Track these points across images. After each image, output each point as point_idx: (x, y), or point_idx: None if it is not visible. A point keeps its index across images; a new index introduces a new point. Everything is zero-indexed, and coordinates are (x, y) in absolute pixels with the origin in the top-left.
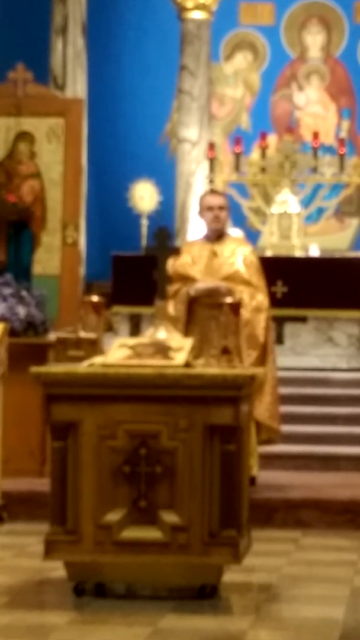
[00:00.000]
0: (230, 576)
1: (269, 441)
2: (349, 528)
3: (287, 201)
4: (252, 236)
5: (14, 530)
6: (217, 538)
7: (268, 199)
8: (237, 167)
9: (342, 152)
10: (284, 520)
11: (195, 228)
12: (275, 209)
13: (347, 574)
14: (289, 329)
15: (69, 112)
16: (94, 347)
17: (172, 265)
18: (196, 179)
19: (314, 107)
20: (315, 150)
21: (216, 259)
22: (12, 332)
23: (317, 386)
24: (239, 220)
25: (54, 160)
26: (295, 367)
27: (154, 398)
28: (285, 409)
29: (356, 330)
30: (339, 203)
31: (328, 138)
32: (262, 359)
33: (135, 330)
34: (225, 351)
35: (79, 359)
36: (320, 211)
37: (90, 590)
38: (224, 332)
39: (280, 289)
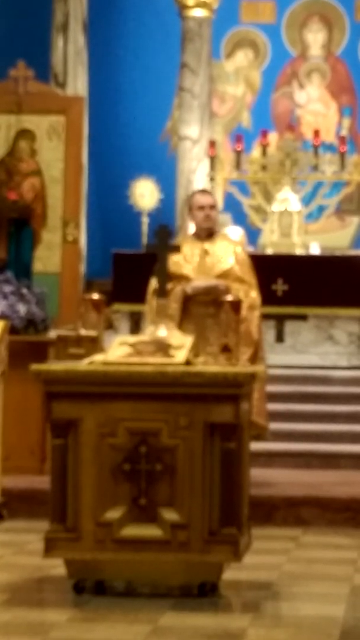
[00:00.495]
0: (231, 574)
1: (257, 437)
2: (349, 526)
3: (287, 199)
4: (253, 234)
5: (14, 528)
6: (217, 536)
7: (269, 197)
8: (237, 165)
9: (342, 150)
10: (284, 518)
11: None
12: (275, 206)
13: (347, 571)
14: (289, 327)
15: (70, 109)
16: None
17: None
18: (197, 177)
19: (314, 105)
20: (316, 148)
21: (208, 257)
22: (12, 330)
23: (318, 384)
24: (240, 218)
25: (54, 157)
26: (296, 365)
27: (155, 396)
28: (286, 406)
29: (356, 328)
30: (340, 201)
31: (329, 136)
32: (255, 356)
33: (135, 328)
34: (226, 349)
35: (80, 357)
36: (320, 209)
37: (90, 588)
38: (225, 330)
39: (280, 287)
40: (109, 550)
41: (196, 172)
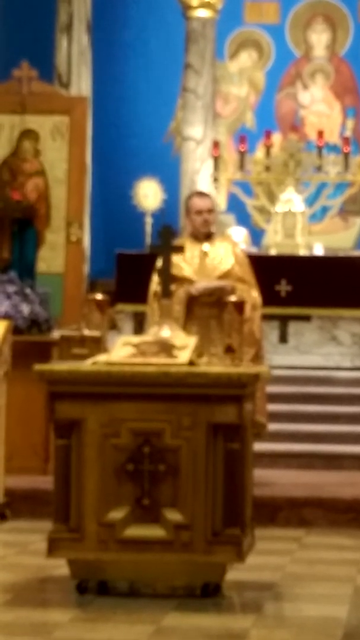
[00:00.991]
0: (234, 574)
1: (256, 435)
2: (352, 527)
3: (291, 200)
4: (256, 235)
5: (17, 528)
6: (221, 536)
7: (272, 198)
8: (241, 166)
9: (346, 151)
10: (287, 518)
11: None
12: (279, 207)
13: (350, 572)
14: (292, 327)
15: (74, 110)
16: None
17: None
18: (200, 178)
19: (318, 106)
20: (319, 149)
21: (208, 259)
22: (16, 330)
23: (321, 385)
24: (243, 218)
25: (58, 158)
26: (299, 366)
27: (158, 396)
28: (289, 407)
29: None
30: (343, 202)
31: (332, 137)
32: (257, 356)
33: (139, 329)
34: (229, 349)
35: (83, 357)
36: (324, 210)
37: (93, 588)
38: (228, 331)
39: (284, 287)
40: (112, 551)
41: (200, 173)
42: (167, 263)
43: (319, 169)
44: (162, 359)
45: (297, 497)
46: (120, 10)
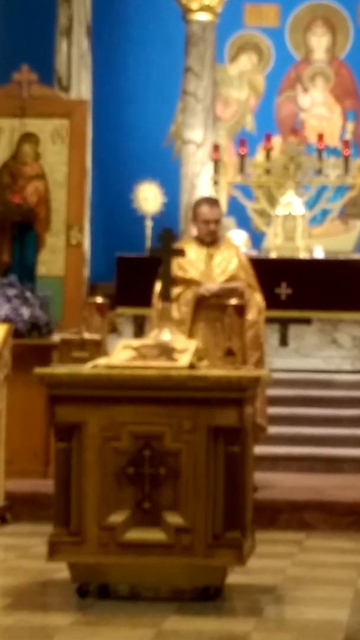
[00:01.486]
0: (234, 578)
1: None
2: (352, 530)
3: (291, 203)
4: (257, 238)
5: (18, 532)
6: (221, 540)
7: (272, 201)
8: (241, 169)
9: (346, 154)
10: (288, 522)
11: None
12: (279, 210)
13: (351, 576)
14: (293, 330)
15: (74, 113)
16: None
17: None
18: (201, 181)
19: (318, 109)
20: (319, 152)
21: (213, 262)
22: (16, 333)
23: (321, 388)
24: (244, 222)
25: (58, 161)
26: (299, 369)
27: (158, 399)
28: (290, 410)
29: None
30: (344, 205)
31: (333, 140)
32: (261, 360)
33: (139, 332)
34: (230, 353)
35: (83, 360)
36: (324, 213)
37: (93, 592)
38: (228, 334)
39: (284, 290)
40: (112, 554)
41: (200, 176)
42: (167, 266)
43: (319, 172)
44: (163, 362)
45: (298, 500)
46: (120, 14)
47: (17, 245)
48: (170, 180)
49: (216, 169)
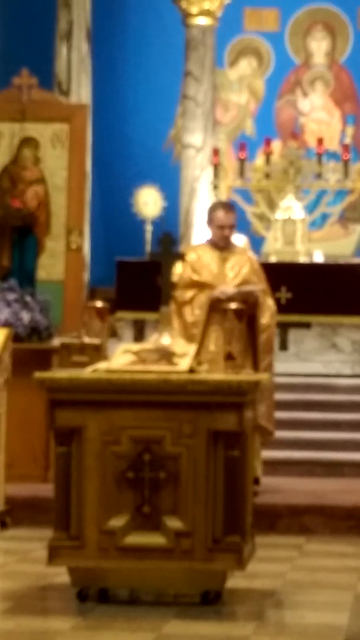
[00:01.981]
0: (234, 582)
1: (262, 443)
2: (352, 534)
3: (291, 207)
4: (256, 242)
5: (18, 536)
6: (221, 544)
7: (272, 205)
8: (241, 173)
9: (346, 158)
10: (288, 526)
11: (199, 233)
12: (279, 214)
13: (351, 580)
14: (293, 335)
15: (74, 117)
16: (97, 353)
17: (183, 271)
18: (200, 185)
19: (318, 113)
20: (319, 156)
21: (226, 266)
22: (16, 338)
23: (321, 392)
24: (243, 226)
25: (58, 165)
26: (299, 373)
27: (158, 404)
28: (289, 414)
29: None
30: (343, 209)
31: (332, 144)
32: (271, 363)
33: (139, 336)
34: (229, 357)
35: (83, 365)
36: (324, 217)
37: (93, 596)
38: (228, 338)
39: (284, 295)
40: (112, 558)
41: (200, 180)
42: (167, 271)
43: (318, 176)
44: (163, 367)
45: (298, 505)
46: (120, 18)
47: (17, 249)
48: (170, 184)
49: (216, 173)
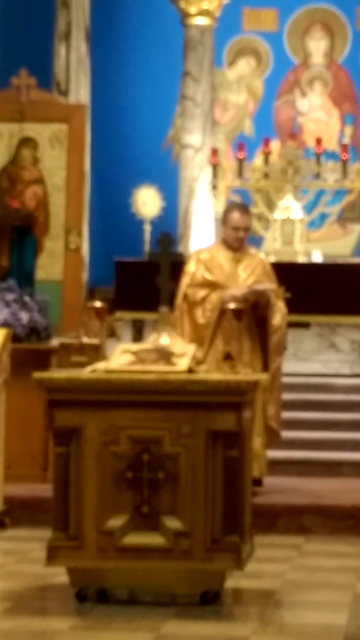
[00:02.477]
0: (233, 582)
1: (267, 444)
2: (351, 534)
3: (290, 207)
4: (255, 242)
5: (17, 536)
6: (220, 544)
7: (271, 205)
8: (240, 173)
9: (345, 158)
10: (287, 526)
11: (198, 233)
12: (278, 214)
13: (350, 580)
14: (291, 335)
15: (72, 117)
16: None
17: (196, 269)
18: (199, 185)
19: (317, 113)
20: (318, 156)
21: (239, 267)
22: (15, 338)
23: (320, 392)
24: None
25: (57, 165)
26: (298, 373)
27: (157, 404)
28: (288, 414)
29: (359, 336)
30: (342, 209)
31: (331, 144)
32: (280, 366)
33: (138, 336)
34: (228, 357)
35: (82, 365)
36: (323, 217)
37: (92, 596)
38: (227, 338)
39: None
40: (111, 559)
41: (198, 180)
42: (166, 271)
43: (317, 176)
44: (161, 367)
45: (297, 504)
46: (118, 18)
47: (16, 249)
48: (169, 184)
49: (214, 173)
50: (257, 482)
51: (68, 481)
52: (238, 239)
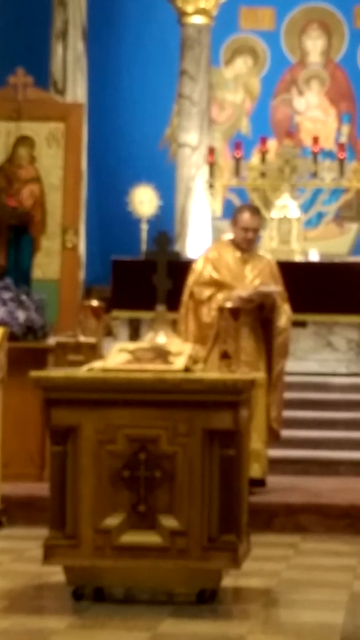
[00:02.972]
0: (230, 581)
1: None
2: (348, 533)
3: (286, 206)
4: None
5: (13, 535)
6: (217, 543)
7: (268, 204)
8: (236, 172)
9: (341, 157)
10: (284, 525)
11: (195, 233)
12: (274, 213)
13: (346, 578)
14: None
15: (69, 116)
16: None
17: (203, 267)
18: (196, 184)
19: (313, 112)
20: (315, 155)
21: (246, 267)
22: (11, 337)
23: (317, 391)
24: None
25: (53, 164)
26: (295, 372)
27: (154, 403)
28: (285, 413)
29: (355, 335)
30: (339, 208)
31: (328, 143)
32: (284, 367)
33: (134, 335)
34: (225, 356)
35: (79, 364)
36: (319, 216)
37: (89, 595)
38: (224, 337)
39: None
40: (108, 557)
41: (195, 179)
42: (162, 270)
43: (314, 175)
44: (158, 366)
45: (293, 503)
46: (115, 17)
47: (13, 248)
48: (166, 183)
49: (211, 172)
50: (260, 482)
51: (65, 480)
52: (247, 240)
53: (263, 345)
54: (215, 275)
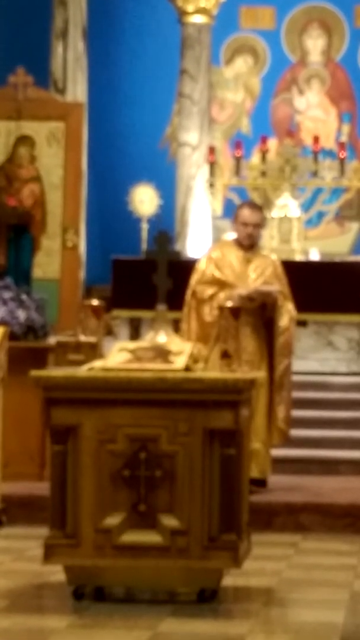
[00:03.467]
0: (230, 580)
1: (274, 445)
2: (348, 532)
3: (287, 205)
4: None
5: (14, 534)
6: (217, 542)
7: (268, 203)
8: (237, 171)
9: (342, 156)
10: (284, 524)
11: (195, 232)
12: (275, 213)
13: (347, 578)
14: None
15: (69, 116)
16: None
17: (206, 267)
18: (196, 183)
19: (314, 111)
20: (315, 154)
21: (249, 267)
22: (12, 336)
23: (317, 390)
24: None
25: (54, 164)
26: (295, 371)
27: (154, 402)
28: None
29: (356, 334)
30: (339, 207)
31: (328, 142)
32: (289, 368)
33: (135, 334)
34: (225, 355)
35: (79, 363)
36: (320, 215)
37: (89, 594)
38: (224, 336)
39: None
40: (108, 557)
41: (196, 178)
42: (163, 269)
43: (314, 174)
44: (158, 365)
45: (294, 503)
46: (115, 16)
47: (13, 248)
48: (166, 182)
49: (212, 172)
50: (261, 482)
51: (65, 479)
52: (247, 235)
53: (265, 344)
54: (217, 274)
